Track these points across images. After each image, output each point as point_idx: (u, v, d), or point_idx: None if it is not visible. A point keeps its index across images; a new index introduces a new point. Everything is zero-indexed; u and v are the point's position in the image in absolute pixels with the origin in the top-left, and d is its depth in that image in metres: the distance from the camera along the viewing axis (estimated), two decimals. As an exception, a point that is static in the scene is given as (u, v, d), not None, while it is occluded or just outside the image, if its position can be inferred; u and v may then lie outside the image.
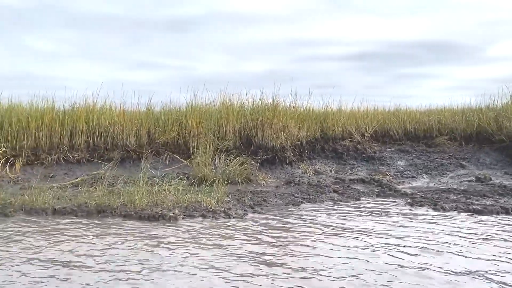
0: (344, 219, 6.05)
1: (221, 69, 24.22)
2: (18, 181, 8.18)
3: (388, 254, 4.53)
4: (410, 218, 6.09)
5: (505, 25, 25.56)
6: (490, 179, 8.60)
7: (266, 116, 9.82)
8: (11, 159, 8.86)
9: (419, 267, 4.16)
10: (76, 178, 8.52)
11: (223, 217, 6.03)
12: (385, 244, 4.87)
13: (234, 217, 6.04)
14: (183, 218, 5.96)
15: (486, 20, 25.26)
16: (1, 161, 8.68)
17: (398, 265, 4.22)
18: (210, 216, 6.03)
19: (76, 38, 24.15)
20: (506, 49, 25.67)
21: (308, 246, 4.82)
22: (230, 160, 8.96)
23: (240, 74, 23.08)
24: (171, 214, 5.98)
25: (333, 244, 4.84)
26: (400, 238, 5.11)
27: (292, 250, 4.66)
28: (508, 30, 25.61)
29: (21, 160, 8.88)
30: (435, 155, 10.41)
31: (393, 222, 5.89)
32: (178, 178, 7.96)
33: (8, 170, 8.53)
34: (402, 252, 4.60)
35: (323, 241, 4.98)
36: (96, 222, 5.80)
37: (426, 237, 5.15)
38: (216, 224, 5.69)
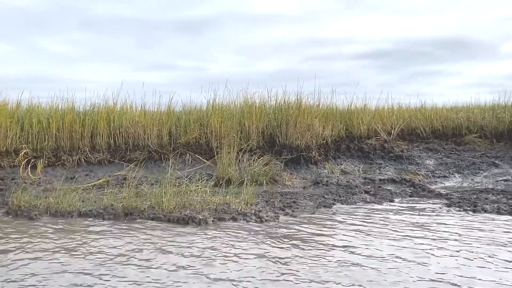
0: (388, 224, 5.74)
1: (234, 69, 24.05)
2: (40, 182, 8.02)
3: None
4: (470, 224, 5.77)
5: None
6: (528, 178, 8.23)
7: (290, 115, 9.54)
8: (32, 160, 8.73)
9: None
10: (99, 180, 8.34)
11: (255, 220, 5.77)
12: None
13: (266, 220, 5.78)
14: (213, 221, 5.71)
15: (500, 16, 24.75)
16: (23, 163, 8.55)
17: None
18: (241, 219, 5.78)
19: (90, 40, 24.16)
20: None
21: (363, 257, 4.53)
22: (254, 160, 8.72)
23: (253, 74, 22.88)
24: (200, 217, 5.74)
25: (399, 256, 4.54)
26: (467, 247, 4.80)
27: (348, 261, 4.36)
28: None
29: (42, 162, 8.75)
30: (466, 154, 10.05)
31: (447, 225, 5.58)
32: (204, 180, 7.72)
33: (29, 172, 8.38)
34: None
35: (380, 250, 4.68)
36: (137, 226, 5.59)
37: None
38: (250, 229, 5.41)
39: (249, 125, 9.67)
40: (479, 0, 25.18)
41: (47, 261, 4.23)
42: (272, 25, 25.23)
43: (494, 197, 6.92)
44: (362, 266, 4.11)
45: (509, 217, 5.91)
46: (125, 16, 23.75)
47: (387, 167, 9.71)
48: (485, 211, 6.22)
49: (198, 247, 4.66)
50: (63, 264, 4.16)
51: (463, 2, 25.10)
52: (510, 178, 8.42)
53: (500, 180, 8.41)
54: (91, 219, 5.87)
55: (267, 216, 5.92)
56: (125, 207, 6.17)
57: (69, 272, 3.97)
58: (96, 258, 4.33)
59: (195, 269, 4.07)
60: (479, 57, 26.51)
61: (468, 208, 6.38)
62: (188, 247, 4.67)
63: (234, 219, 5.78)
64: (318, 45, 25.69)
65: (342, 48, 25.65)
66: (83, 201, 6.49)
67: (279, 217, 5.98)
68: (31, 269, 4.03)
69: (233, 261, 4.25)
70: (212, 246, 4.68)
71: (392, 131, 10.88)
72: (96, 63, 23.68)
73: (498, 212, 6.14)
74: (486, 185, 8.17)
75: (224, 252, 4.50)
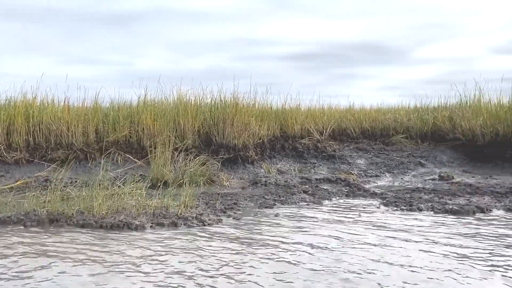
0: (333, 223, 5.70)
1: (166, 65, 23.34)
2: None
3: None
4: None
5: (432, 28, 27.09)
6: (453, 178, 8.68)
7: (227, 114, 9.31)
8: None
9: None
10: (16, 181, 7.54)
11: (197, 224, 5.45)
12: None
13: (208, 224, 5.49)
14: (151, 226, 5.32)
15: (413, 24, 26.56)
16: None
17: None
18: (181, 224, 5.43)
19: (10, 31, 22.09)
20: (432, 51, 27.22)
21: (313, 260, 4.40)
22: (190, 160, 8.37)
23: (186, 71, 22.40)
24: (137, 223, 5.32)
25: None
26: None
27: (297, 261, 4.22)
28: (434, 34, 27.20)
29: None
30: (394, 154, 10.42)
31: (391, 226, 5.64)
32: (135, 181, 7.22)
33: None
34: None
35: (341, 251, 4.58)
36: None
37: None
38: (194, 234, 5.09)
39: (184, 123, 9.28)
40: (395, 7, 26.77)
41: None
42: (204, 23, 24.85)
43: (426, 196, 7.18)
44: (313, 267, 3.99)
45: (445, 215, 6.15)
46: (54, 7, 21.99)
47: (321, 167, 9.81)
48: (420, 210, 6.41)
49: (139, 257, 4.27)
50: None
51: (385, 8, 26.51)
52: (437, 177, 8.84)
53: (428, 180, 8.80)
54: (11, 226, 5.22)
55: (209, 219, 5.63)
56: (50, 212, 5.56)
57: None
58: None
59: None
60: (394, 61, 28.23)
61: (404, 207, 6.55)
62: (130, 256, 4.27)
63: (175, 224, 5.42)
64: (250, 44, 25.82)
65: (272, 48, 26.00)
66: (-1, 206, 5.77)
67: (222, 220, 5.72)
68: None
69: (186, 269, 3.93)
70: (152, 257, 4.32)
71: (324, 131, 11.03)
72: (15, 56, 21.70)
73: (433, 210, 6.36)
74: (416, 184, 8.50)
75: (171, 265, 4.16)
